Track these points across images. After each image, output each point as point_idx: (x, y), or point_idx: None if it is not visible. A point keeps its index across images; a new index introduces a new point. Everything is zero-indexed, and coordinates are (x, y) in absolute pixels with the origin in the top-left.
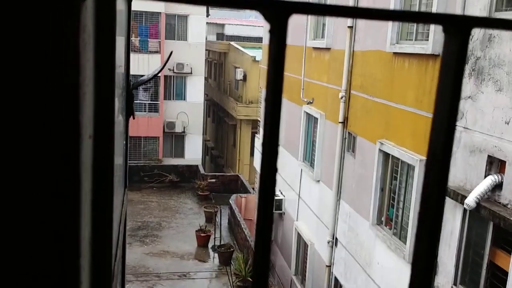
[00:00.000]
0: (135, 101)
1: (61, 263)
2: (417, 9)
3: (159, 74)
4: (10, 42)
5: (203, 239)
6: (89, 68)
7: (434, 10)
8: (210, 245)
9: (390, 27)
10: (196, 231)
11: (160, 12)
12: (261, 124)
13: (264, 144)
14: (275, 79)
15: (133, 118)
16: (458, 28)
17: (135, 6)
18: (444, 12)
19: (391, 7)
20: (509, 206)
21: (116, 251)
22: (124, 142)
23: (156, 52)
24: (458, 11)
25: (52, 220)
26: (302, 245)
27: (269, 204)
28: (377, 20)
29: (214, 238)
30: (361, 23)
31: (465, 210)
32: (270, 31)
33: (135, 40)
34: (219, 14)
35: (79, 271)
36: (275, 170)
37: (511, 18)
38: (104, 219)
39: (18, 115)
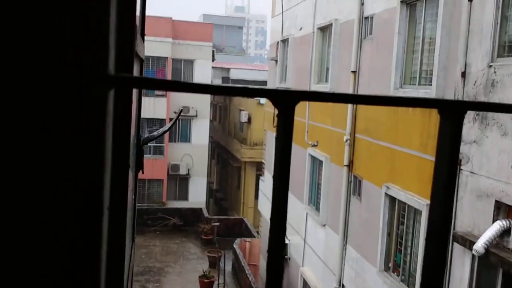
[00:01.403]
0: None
1: None
2: (419, 57)
3: (165, 117)
4: (48, 126)
5: (206, 286)
6: (108, 147)
7: (436, 56)
8: None
9: (393, 71)
10: (199, 276)
11: (167, 57)
12: (265, 171)
13: (272, 226)
14: (282, 156)
15: (142, 172)
16: (452, 111)
17: None
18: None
19: (393, 59)
20: None
21: None
22: (133, 196)
23: (162, 95)
24: (460, 57)
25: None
26: None
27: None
28: (375, 105)
29: (218, 284)
30: (365, 68)
31: (473, 256)
32: (278, 115)
33: None
34: (225, 59)
35: None
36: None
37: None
38: (116, 283)
39: (49, 193)
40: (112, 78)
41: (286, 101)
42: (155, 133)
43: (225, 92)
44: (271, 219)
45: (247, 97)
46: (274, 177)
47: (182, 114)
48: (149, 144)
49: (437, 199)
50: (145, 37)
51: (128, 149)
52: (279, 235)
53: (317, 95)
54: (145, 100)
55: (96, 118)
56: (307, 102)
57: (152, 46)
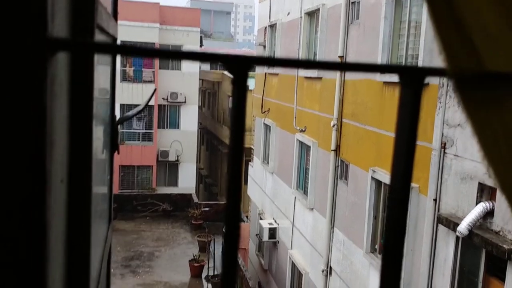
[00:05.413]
0: (129, 130)
1: None
2: (405, 41)
3: (153, 104)
4: None
5: (196, 269)
6: (60, 115)
7: (422, 40)
8: (203, 275)
9: (380, 55)
10: (189, 261)
11: (154, 43)
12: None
13: (228, 190)
14: (237, 123)
15: (118, 153)
16: (412, 78)
17: (129, 37)
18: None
19: (380, 44)
20: (501, 233)
21: None
22: (109, 176)
23: (150, 81)
24: None
25: (16, 266)
26: (297, 274)
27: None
28: (333, 70)
29: (208, 268)
30: (352, 52)
31: (457, 237)
32: (233, 82)
33: (129, 70)
34: (213, 45)
35: None
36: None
37: None
38: (80, 261)
39: None
40: (51, 41)
41: (239, 66)
42: (129, 113)
43: (173, 57)
44: (226, 195)
45: (199, 62)
46: (228, 148)
47: (171, 100)
48: (137, 131)
49: (397, 169)
50: (132, 23)
51: (89, 120)
52: (235, 205)
53: (270, 60)
54: (133, 86)
55: (30, 82)
56: (295, 88)
57: (139, 32)
